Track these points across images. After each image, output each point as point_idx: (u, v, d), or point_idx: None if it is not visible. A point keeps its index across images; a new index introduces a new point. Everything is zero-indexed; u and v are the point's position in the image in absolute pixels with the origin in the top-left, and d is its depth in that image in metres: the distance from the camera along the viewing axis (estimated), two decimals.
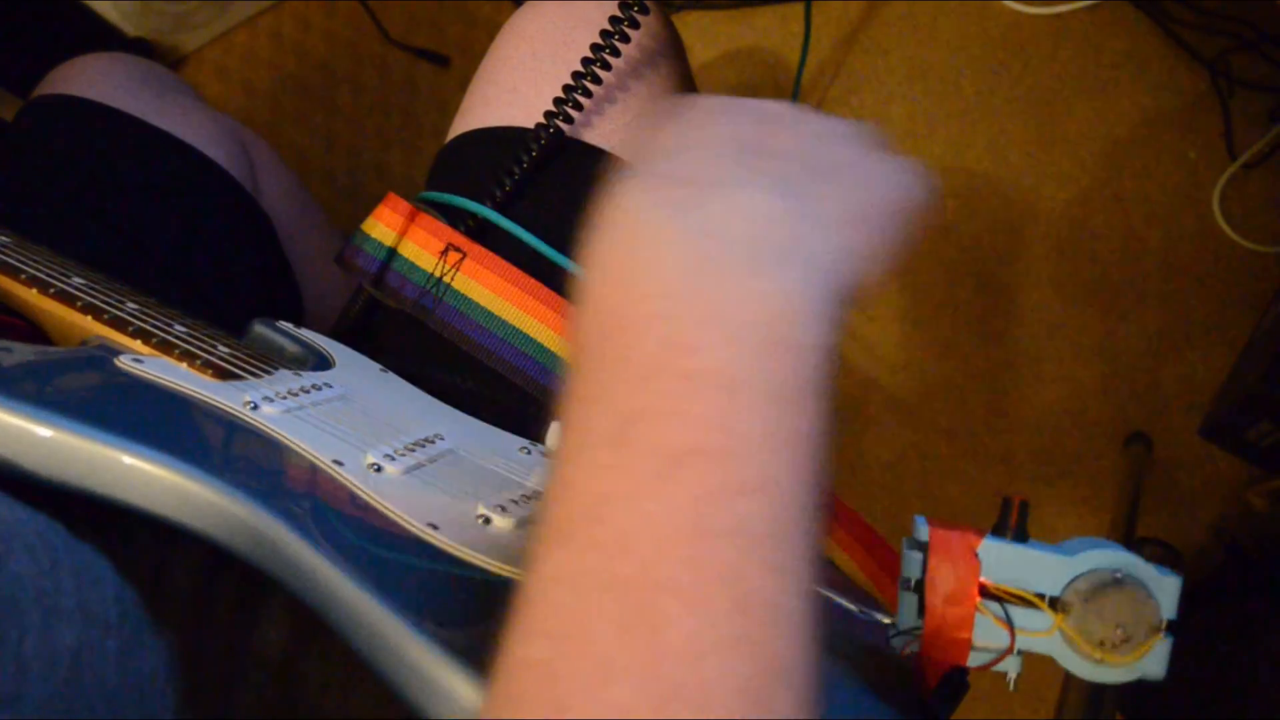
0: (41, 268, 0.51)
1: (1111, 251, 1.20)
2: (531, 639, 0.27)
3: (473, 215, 0.61)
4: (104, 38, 1.30)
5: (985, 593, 0.40)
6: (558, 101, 0.61)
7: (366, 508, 0.42)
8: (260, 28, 1.41)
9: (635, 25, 0.61)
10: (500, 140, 0.63)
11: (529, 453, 0.53)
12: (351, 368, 0.56)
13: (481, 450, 0.51)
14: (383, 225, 0.62)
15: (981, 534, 0.40)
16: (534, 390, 0.58)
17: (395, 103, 1.37)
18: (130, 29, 1.33)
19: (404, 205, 0.62)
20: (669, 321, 0.29)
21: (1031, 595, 0.40)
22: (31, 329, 0.52)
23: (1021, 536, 0.41)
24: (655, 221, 0.31)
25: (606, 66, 0.61)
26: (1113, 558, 0.40)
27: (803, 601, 0.27)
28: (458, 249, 0.60)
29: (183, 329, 0.50)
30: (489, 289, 0.59)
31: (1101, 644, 0.40)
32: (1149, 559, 0.40)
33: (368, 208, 0.63)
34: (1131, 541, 1.03)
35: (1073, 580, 0.40)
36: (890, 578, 0.53)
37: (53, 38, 1.25)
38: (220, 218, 0.76)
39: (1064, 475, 1.17)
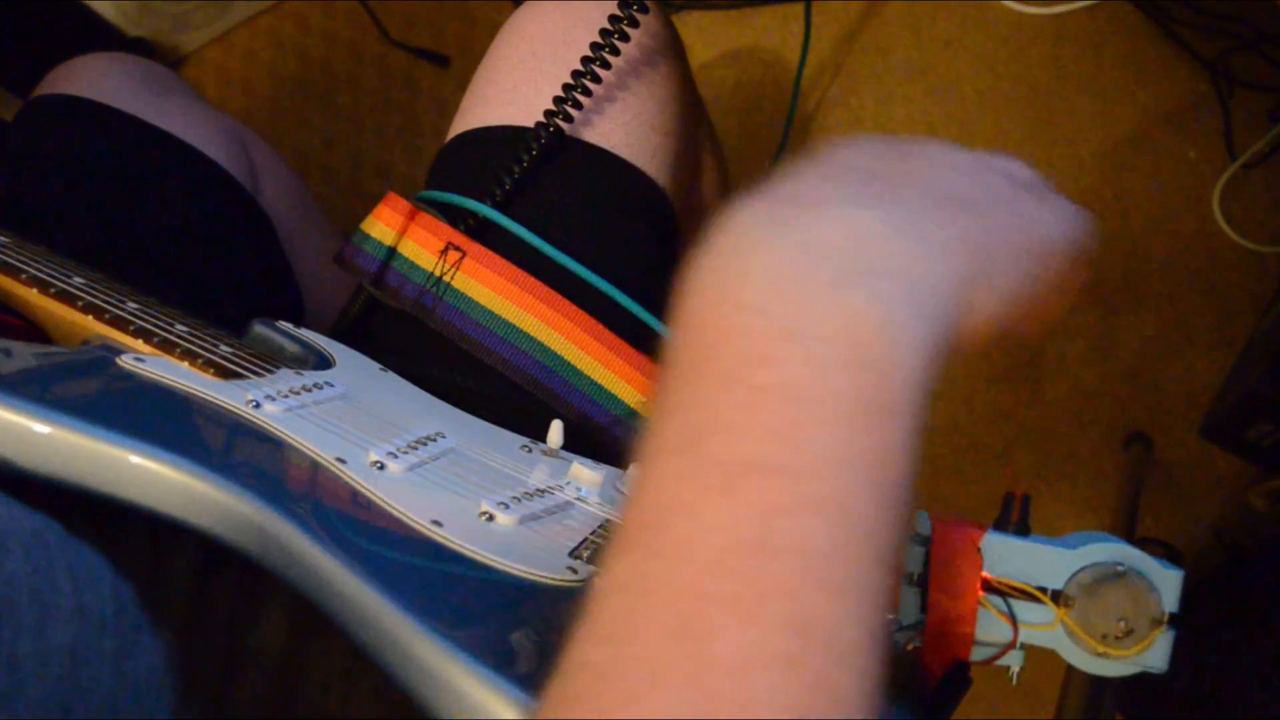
0: (42, 267, 0.51)
1: (1111, 252, 1.20)
2: (589, 642, 0.27)
3: (473, 214, 0.61)
4: (104, 38, 1.30)
5: (988, 587, 0.40)
6: (557, 100, 0.61)
7: (370, 505, 0.42)
8: (260, 28, 1.41)
9: (635, 24, 0.61)
10: (500, 139, 0.63)
11: (529, 450, 0.53)
12: (352, 367, 0.56)
13: (483, 448, 0.51)
14: (382, 224, 0.62)
15: (983, 528, 0.40)
16: (534, 389, 0.58)
17: (395, 103, 1.37)
18: (130, 29, 1.33)
19: (404, 204, 0.62)
20: (748, 333, 0.28)
21: (1034, 589, 0.40)
22: (32, 329, 0.52)
23: (1023, 530, 0.41)
24: (752, 235, 0.30)
25: (606, 65, 0.61)
26: (1115, 550, 0.40)
27: (865, 629, 0.26)
28: (458, 248, 0.60)
29: (184, 328, 0.51)
30: (489, 288, 0.59)
31: (1104, 637, 0.40)
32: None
33: (368, 207, 0.63)
34: (1132, 541, 1.03)
35: (1075, 573, 0.40)
36: None
37: (53, 38, 1.25)
38: (220, 218, 0.76)
39: (1064, 475, 1.17)
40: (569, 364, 0.58)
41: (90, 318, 0.49)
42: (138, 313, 0.50)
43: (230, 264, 0.75)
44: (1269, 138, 1.17)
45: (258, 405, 0.46)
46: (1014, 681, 0.42)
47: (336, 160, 1.37)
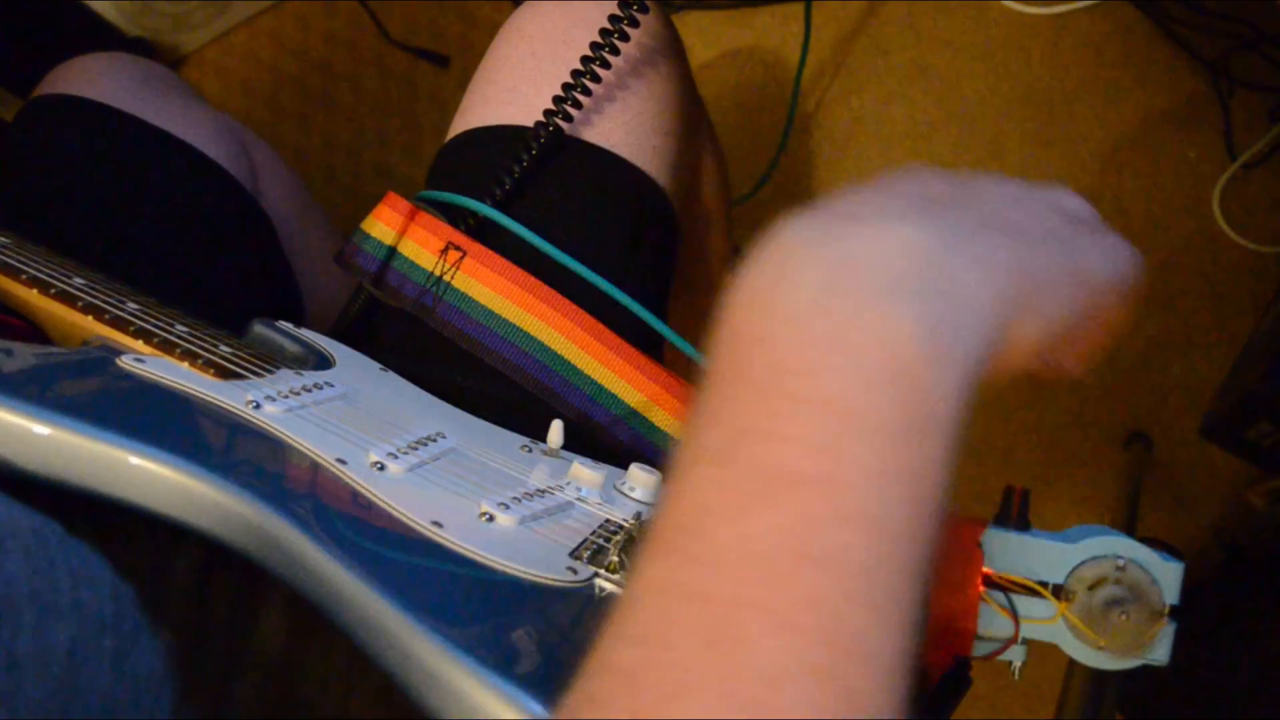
0: (42, 268, 0.51)
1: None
2: (620, 644, 0.27)
3: (473, 214, 0.61)
4: (104, 38, 1.30)
5: (989, 582, 0.40)
6: (557, 100, 0.61)
7: (370, 506, 0.42)
8: (260, 28, 1.41)
9: (635, 24, 0.61)
10: (500, 139, 0.63)
11: (530, 451, 0.53)
12: (352, 367, 0.56)
13: (483, 448, 0.51)
14: (382, 224, 0.62)
15: (984, 524, 0.40)
16: (535, 389, 0.58)
17: (395, 103, 1.37)
18: (130, 29, 1.33)
19: (404, 204, 0.62)
20: (790, 343, 0.28)
21: (1035, 583, 0.40)
22: (32, 329, 0.52)
23: (1024, 525, 0.41)
24: (799, 246, 0.30)
25: (606, 65, 0.61)
26: (1115, 544, 0.40)
27: (896, 642, 0.26)
28: (458, 248, 0.60)
29: (184, 329, 0.50)
30: (489, 287, 0.59)
31: (1105, 630, 0.40)
32: None
33: (368, 207, 0.63)
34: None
35: (1076, 567, 0.40)
36: None
37: (53, 38, 1.25)
38: (220, 218, 0.76)
39: (1064, 475, 1.17)
40: (569, 363, 0.58)
41: (90, 318, 0.49)
42: (138, 313, 0.50)
43: (230, 264, 0.75)
44: (1269, 138, 1.17)
45: (258, 406, 0.46)
46: (1016, 676, 0.42)
47: (336, 160, 1.37)
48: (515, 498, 0.45)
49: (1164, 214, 1.20)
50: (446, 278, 0.60)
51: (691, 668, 0.25)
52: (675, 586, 0.27)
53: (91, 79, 0.75)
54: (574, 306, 0.59)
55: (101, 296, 0.51)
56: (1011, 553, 0.40)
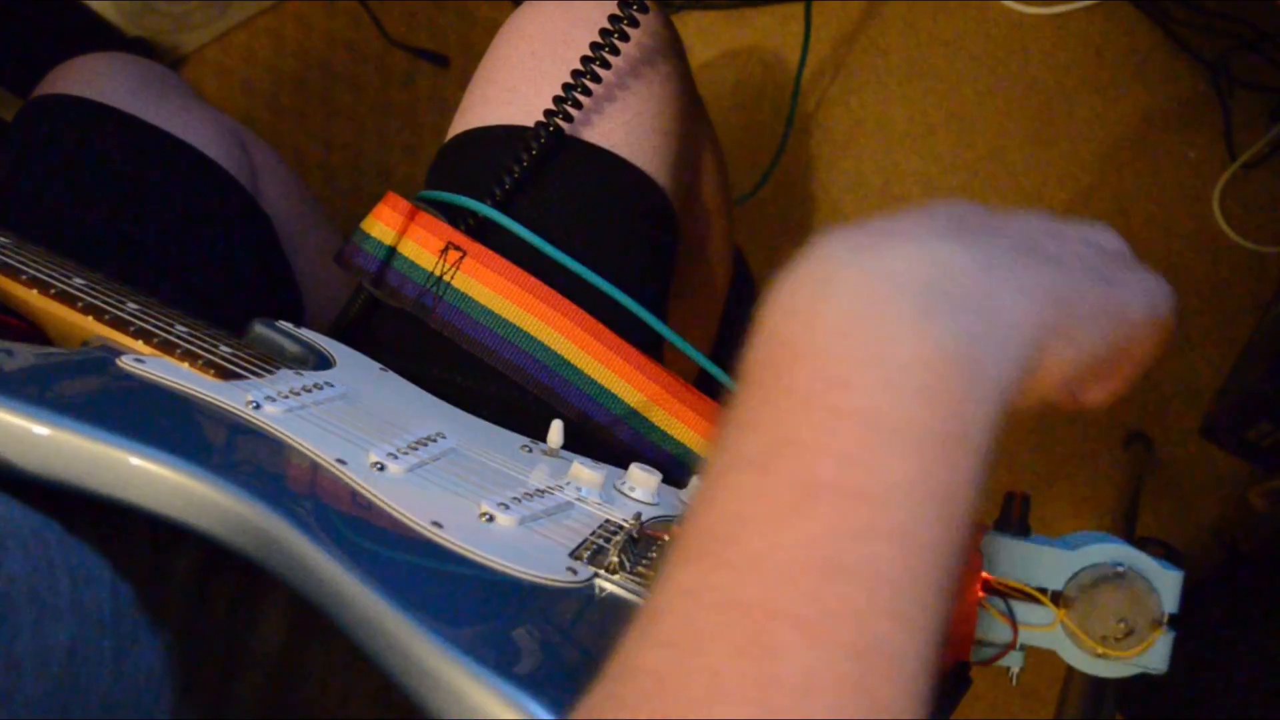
0: (42, 268, 0.51)
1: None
2: (648, 646, 0.27)
3: (473, 214, 0.61)
4: (104, 38, 1.30)
5: (987, 587, 0.40)
6: (557, 100, 0.61)
7: (370, 506, 0.42)
8: (260, 28, 1.41)
9: (635, 24, 0.61)
10: (500, 139, 0.63)
11: (530, 451, 0.53)
12: (352, 367, 0.56)
13: (483, 448, 0.51)
14: (382, 224, 0.62)
15: (984, 528, 0.40)
16: (535, 388, 0.58)
17: (395, 103, 1.37)
18: (130, 29, 1.33)
19: (403, 204, 0.62)
20: (829, 355, 0.29)
21: (1033, 589, 0.40)
22: (31, 330, 0.52)
23: (1023, 531, 0.41)
24: (838, 259, 0.30)
25: (606, 65, 0.61)
26: (1115, 551, 0.40)
27: (922, 655, 0.27)
28: (458, 248, 0.60)
29: (184, 329, 0.50)
30: (489, 287, 0.59)
31: (1104, 638, 0.40)
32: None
33: (368, 207, 0.63)
34: (1131, 541, 1.03)
35: (1075, 574, 0.40)
36: None
37: (53, 38, 1.25)
38: (220, 218, 0.76)
39: (1064, 475, 1.17)
40: (569, 363, 0.58)
41: (90, 319, 0.49)
42: (138, 313, 0.50)
43: (230, 264, 0.75)
44: (1269, 138, 1.17)
45: (258, 406, 0.46)
46: (1014, 682, 0.42)
47: (336, 160, 1.37)
48: (515, 498, 0.45)
49: (1164, 214, 1.20)
50: (446, 278, 0.60)
51: (723, 674, 0.25)
52: (707, 592, 0.27)
53: (91, 79, 0.75)
54: (574, 306, 0.59)
55: (101, 297, 0.51)
56: (1011, 558, 0.40)
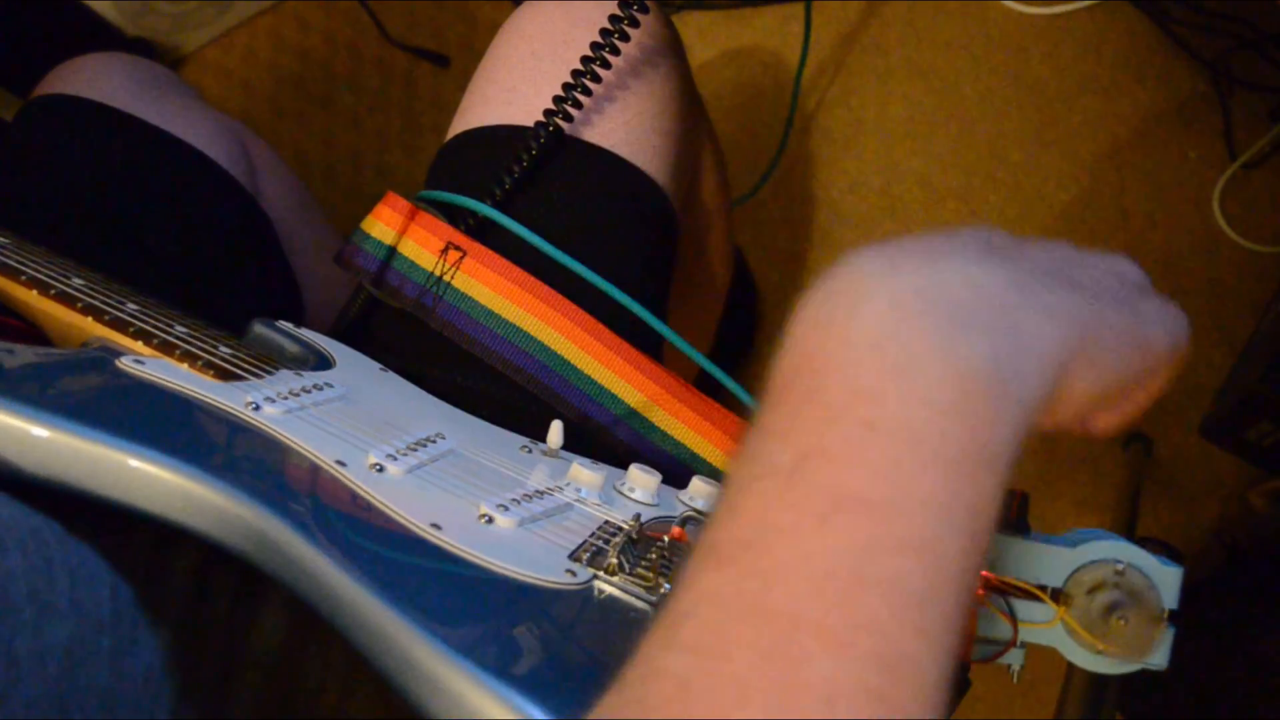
0: (42, 269, 0.51)
1: (1111, 252, 1.20)
2: (672, 650, 0.27)
3: (473, 214, 0.61)
4: (104, 38, 1.30)
5: (988, 585, 0.40)
6: (557, 100, 0.61)
7: (369, 508, 0.42)
8: (260, 28, 1.41)
9: (635, 24, 0.61)
10: (500, 139, 0.63)
11: (529, 451, 0.53)
12: (352, 367, 0.56)
13: (483, 449, 0.51)
14: (382, 224, 0.62)
15: None
16: (535, 389, 0.58)
17: (395, 103, 1.37)
18: (130, 29, 1.33)
19: (403, 204, 0.62)
20: (860, 368, 0.29)
21: (1034, 587, 0.40)
22: (31, 330, 0.52)
23: (1023, 529, 0.41)
24: (869, 274, 0.31)
25: (606, 65, 0.61)
26: (1114, 548, 0.40)
27: (942, 666, 0.27)
28: (458, 248, 0.60)
29: (183, 330, 0.50)
30: (489, 287, 0.59)
31: (1104, 635, 0.40)
32: None
33: (368, 207, 0.63)
34: (1131, 540, 1.03)
35: (1075, 571, 0.40)
36: None
37: (53, 38, 1.25)
38: (220, 218, 0.76)
39: (1064, 475, 1.17)
40: (569, 363, 0.58)
41: (90, 319, 0.49)
42: (137, 314, 0.50)
43: (230, 264, 0.75)
44: (1269, 138, 1.17)
45: (257, 408, 0.46)
46: (1014, 680, 0.42)
47: (336, 160, 1.37)
48: (514, 499, 0.45)
49: (1164, 214, 1.20)
50: (446, 278, 0.60)
51: (746, 679, 0.25)
52: (733, 598, 0.27)
53: (91, 79, 0.75)
54: (574, 306, 0.59)
55: (101, 297, 0.51)
56: (1010, 556, 0.40)
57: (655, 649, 0.27)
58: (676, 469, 0.58)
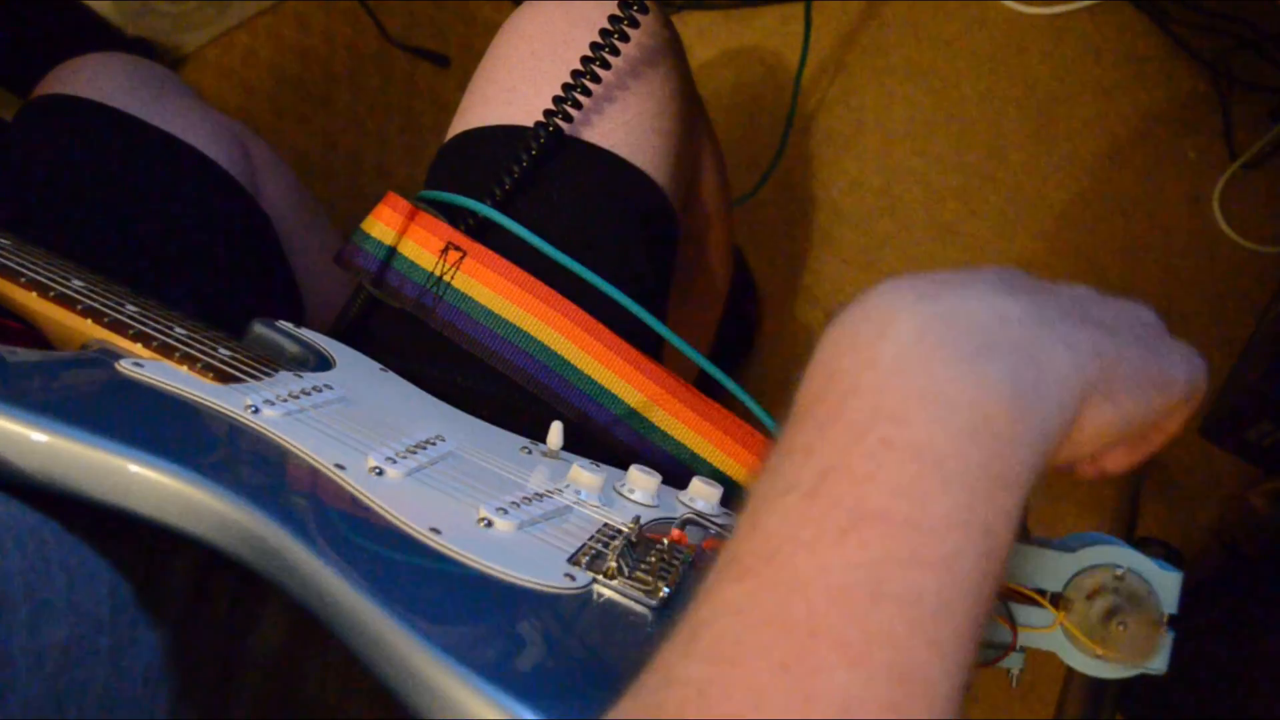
0: (41, 271, 0.51)
1: (1111, 252, 1.20)
2: (691, 659, 0.28)
3: (473, 214, 0.61)
4: (104, 38, 1.30)
5: None
6: (557, 100, 0.61)
7: (368, 512, 0.42)
8: (260, 28, 1.41)
9: (635, 24, 0.61)
10: (500, 139, 0.63)
11: (529, 452, 0.53)
12: (352, 368, 0.56)
13: (482, 451, 0.51)
14: (382, 224, 0.62)
15: None
16: (535, 389, 0.58)
17: (395, 103, 1.37)
18: (130, 29, 1.33)
19: (403, 204, 0.62)
20: (885, 390, 0.30)
21: (1032, 591, 0.40)
22: (30, 332, 0.52)
23: (1022, 532, 0.41)
24: (897, 299, 0.32)
25: (606, 65, 0.61)
26: (1114, 553, 0.40)
27: (956, 681, 0.27)
28: (458, 248, 0.60)
29: (183, 331, 0.50)
30: (490, 288, 0.59)
31: (1103, 639, 0.40)
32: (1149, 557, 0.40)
33: (368, 207, 0.63)
34: (1131, 541, 1.02)
35: (1074, 576, 0.40)
36: None
37: (53, 38, 1.25)
38: (220, 218, 0.76)
39: (1063, 475, 1.17)
40: (569, 363, 0.58)
41: (89, 321, 0.49)
42: (137, 316, 0.50)
43: (230, 264, 0.75)
44: (1269, 138, 1.17)
45: (256, 410, 0.46)
46: (1013, 684, 0.42)
47: (336, 160, 1.37)
48: (514, 502, 0.45)
49: (1164, 214, 1.20)
50: (446, 278, 0.60)
51: (764, 689, 0.26)
52: (753, 609, 0.28)
53: (91, 79, 0.75)
54: (574, 306, 0.59)
55: (100, 299, 0.51)
56: (1010, 560, 0.40)
57: (674, 657, 0.28)
58: (676, 469, 0.58)
